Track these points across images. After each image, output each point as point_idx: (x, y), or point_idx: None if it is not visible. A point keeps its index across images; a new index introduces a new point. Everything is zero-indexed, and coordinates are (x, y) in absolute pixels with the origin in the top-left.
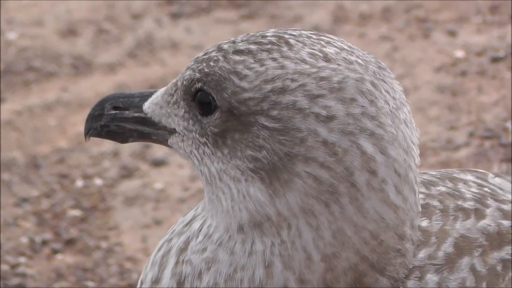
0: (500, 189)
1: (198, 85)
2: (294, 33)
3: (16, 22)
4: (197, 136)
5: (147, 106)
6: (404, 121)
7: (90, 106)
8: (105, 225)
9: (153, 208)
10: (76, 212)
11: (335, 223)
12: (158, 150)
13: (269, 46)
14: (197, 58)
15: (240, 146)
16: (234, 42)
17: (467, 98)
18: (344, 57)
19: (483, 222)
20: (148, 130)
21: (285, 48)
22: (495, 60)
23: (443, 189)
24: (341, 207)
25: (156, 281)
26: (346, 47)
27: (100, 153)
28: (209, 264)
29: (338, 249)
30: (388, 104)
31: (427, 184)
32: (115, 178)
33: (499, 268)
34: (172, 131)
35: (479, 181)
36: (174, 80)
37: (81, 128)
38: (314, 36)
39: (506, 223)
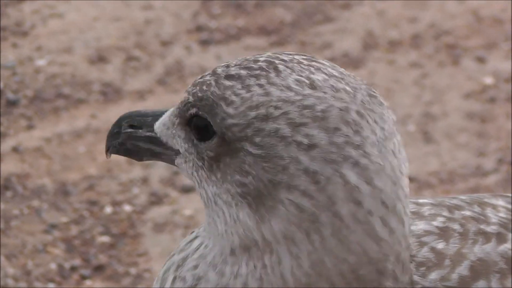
0: None
1: (193, 110)
2: (286, 58)
3: (46, 49)
4: (195, 159)
5: (157, 126)
6: (393, 152)
7: None
8: (134, 252)
9: (182, 234)
10: (105, 239)
11: (315, 254)
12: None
13: (258, 72)
14: (194, 81)
15: (229, 170)
16: (228, 66)
17: (496, 124)
18: (331, 85)
19: (504, 246)
20: (158, 150)
21: (272, 74)
22: None
23: (467, 213)
24: (322, 237)
25: None
26: (336, 74)
27: (129, 179)
28: (198, 281)
29: (314, 280)
30: (375, 134)
31: (452, 208)
32: (144, 205)
33: None
34: (177, 152)
35: (510, 206)
36: (178, 104)
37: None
38: (305, 62)
39: None
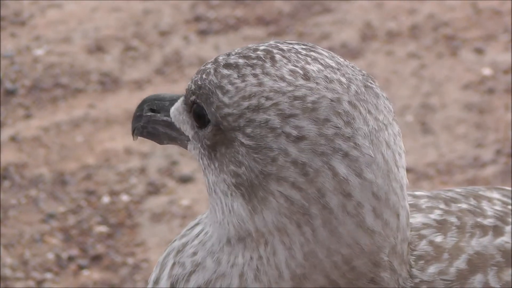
0: None
1: (192, 97)
2: (285, 47)
3: (44, 39)
4: (200, 146)
5: (172, 110)
6: (386, 143)
7: (117, 122)
8: (132, 242)
9: (179, 224)
10: (102, 229)
11: (307, 245)
12: (185, 167)
13: (254, 61)
14: (199, 68)
15: (225, 160)
16: (229, 54)
17: (494, 116)
18: (325, 75)
19: (501, 239)
20: (174, 135)
21: (268, 64)
22: None
23: (464, 206)
24: (313, 229)
25: (156, 281)
26: (333, 64)
27: (127, 169)
28: (196, 267)
29: (308, 271)
30: (368, 125)
31: (449, 201)
32: (142, 195)
33: None
34: (188, 138)
35: (505, 199)
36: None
37: (108, 144)
38: (303, 52)
39: None
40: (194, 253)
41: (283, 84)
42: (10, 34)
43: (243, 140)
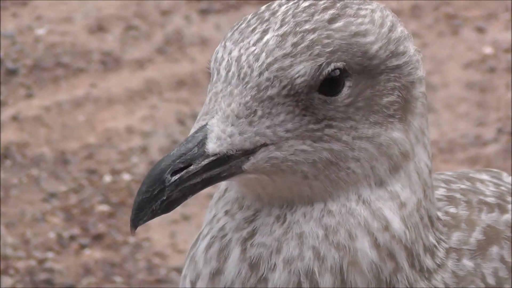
0: None
1: (330, 67)
2: None
3: (45, 19)
4: (311, 126)
5: (214, 147)
6: None
7: (119, 102)
8: None
9: (181, 204)
10: (104, 208)
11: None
12: None
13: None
14: (293, 50)
15: (375, 100)
16: (310, 17)
17: (495, 94)
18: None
19: (507, 216)
20: (217, 171)
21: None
22: None
23: (462, 186)
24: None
25: (218, 272)
26: None
27: (128, 148)
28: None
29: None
30: None
31: (446, 181)
32: (143, 174)
33: None
34: (255, 150)
35: (495, 181)
36: (242, 100)
37: (109, 124)
38: None
39: None
40: (349, 233)
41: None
42: (11, 14)
43: (396, 62)
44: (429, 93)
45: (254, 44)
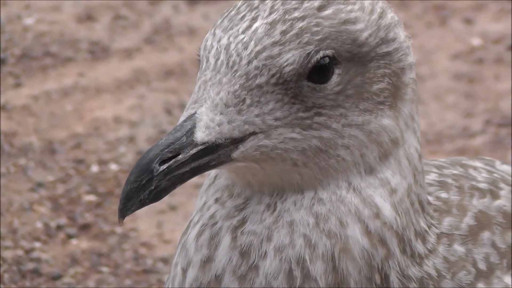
0: (508, 175)
1: (319, 55)
2: None
3: (34, 8)
4: (300, 114)
5: (202, 136)
6: None
7: (107, 91)
8: None
9: (170, 193)
10: (91, 197)
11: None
12: None
13: None
14: (282, 38)
15: (364, 88)
16: (302, 2)
17: (483, 85)
18: None
19: (499, 202)
20: (206, 160)
21: None
22: None
23: (455, 171)
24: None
25: (209, 260)
26: None
27: (116, 138)
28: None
29: None
30: None
31: (439, 167)
32: (131, 164)
33: None
34: (244, 139)
35: (488, 168)
36: (231, 89)
37: (97, 113)
38: None
39: None
40: (340, 220)
41: None
42: (0, 4)
43: (386, 49)
44: (417, 84)
45: (243, 32)
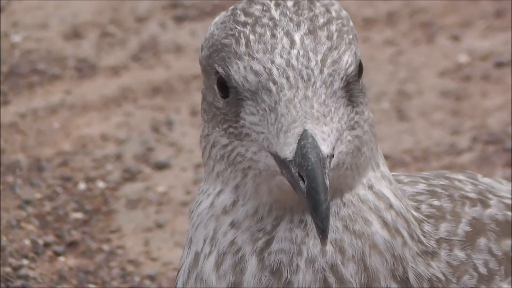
0: (492, 187)
1: (358, 52)
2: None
3: (21, 25)
4: (352, 115)
5: (326, 149)
6: None
7: (94, 108)
8: (108, 228)
9: (155, 211)
10: (78, 215)
11: None
12: (160, 153)
13: None
14: (332, 43)
15: (362, 80)
16: (311, 9)
17: (471, 102)
18: None
19: (490, 211)
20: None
21: None
22: (500, 65)
23: (442, 182)
24: None
25: (236, 285)
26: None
27: (103, 156)
28: None
29: None
30: None
31: (425, 178)
32: (118, 181)
33: None
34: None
35: (471, 180)
36: (320, 100)
37: (84, 131)
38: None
39: None
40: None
41: None
42: None
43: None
44: (403, 101)
45: (291, 47)
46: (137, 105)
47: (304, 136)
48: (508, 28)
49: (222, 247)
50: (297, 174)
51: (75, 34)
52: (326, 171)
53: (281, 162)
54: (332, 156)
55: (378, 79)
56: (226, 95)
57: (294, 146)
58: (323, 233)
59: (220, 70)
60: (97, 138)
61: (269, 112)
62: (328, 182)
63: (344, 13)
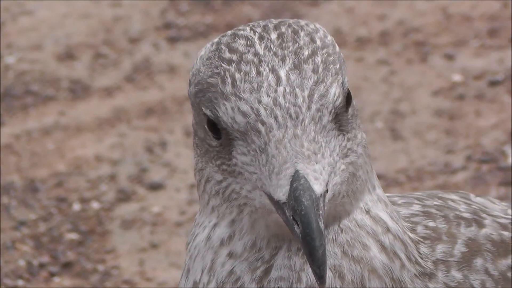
0: (485, 207)
1: (345, 81)
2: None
3: (15, 46)
4: (343, 144)
5: (318, 188)
6: None
7: (88, 130)
8: (102, 249)
9: (150, 231)
10: (73, 236)
11: None
12: (155, 174)
13: None
14: (318, 76)
15: (354, 103)
16: (295, 41)
17: (465, 122)
18: None
19: (485, 231)
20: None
21: None
22: (493, 84)
23: (436, 202)
24: None
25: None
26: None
27: (97, 176)
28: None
29: None
30: None
31: (419, 199)
32: (112, 202)
33: (509, 274)
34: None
35: (464, 200)
36: (309, 137)
37: (78, 152)
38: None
39: (507, 233)
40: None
41: None
42: None
43: None
44: (397, 120)
45: (277, 85)
46: (130, 126)
47: (296, 177)
48: (501, 47)
49: (221, 276)
50: (291, 217)
51: (68, 56)
52: (320, 212)
53: (276, 203)
54: (327, 191)
55: (372, 98)
56: (218, 136)
57: (287, 188)
58: (320, 279)
59: (208, 113)
60: (91, 159)
61: (259, 153)
62: (322, 225)
63: (329, 39)
